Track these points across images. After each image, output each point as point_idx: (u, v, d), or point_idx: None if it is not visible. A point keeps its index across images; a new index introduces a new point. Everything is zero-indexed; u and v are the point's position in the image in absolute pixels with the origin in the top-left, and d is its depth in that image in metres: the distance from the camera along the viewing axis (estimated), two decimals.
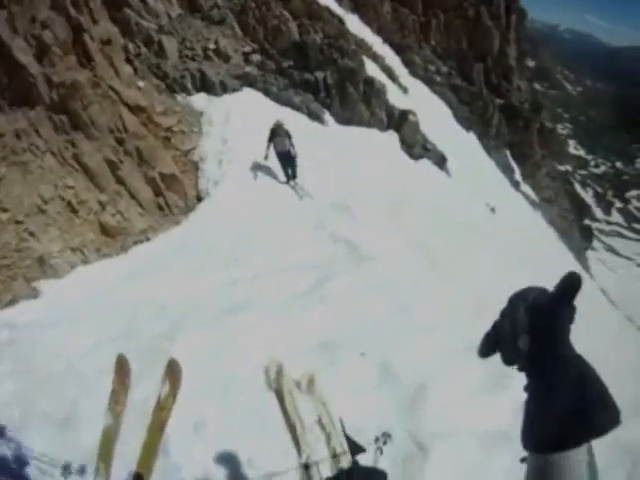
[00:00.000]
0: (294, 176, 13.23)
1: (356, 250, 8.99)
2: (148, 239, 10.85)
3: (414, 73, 33.28)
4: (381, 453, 4.39)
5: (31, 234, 9.21)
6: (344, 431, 4.67)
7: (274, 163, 13.34)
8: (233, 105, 16.11)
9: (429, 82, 34.02)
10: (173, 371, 3.96)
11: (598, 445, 3.82)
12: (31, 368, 5.92)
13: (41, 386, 5.42)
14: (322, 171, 14.07)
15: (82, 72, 11.57)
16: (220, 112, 15.51)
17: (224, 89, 17.25)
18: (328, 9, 25.95)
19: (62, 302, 7.99)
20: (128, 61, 15.17)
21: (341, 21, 26.40)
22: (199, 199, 12.43)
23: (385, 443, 4.44)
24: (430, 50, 37.79)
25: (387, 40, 34.05)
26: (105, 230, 10.50)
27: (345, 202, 12.21)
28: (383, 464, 4.45)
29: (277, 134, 12.85)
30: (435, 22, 38.18)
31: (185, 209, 12.14)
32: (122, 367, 4.26)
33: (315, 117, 18.56)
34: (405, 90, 27.19)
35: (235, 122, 14.97)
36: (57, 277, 8.96)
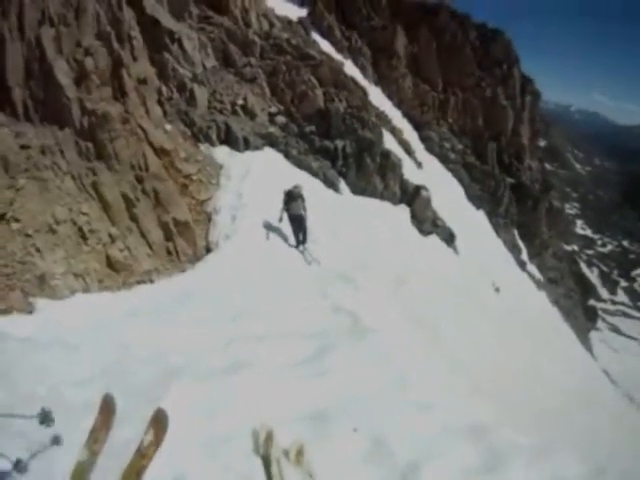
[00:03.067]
0: (304, 241, 13.26)
1: (357, 322, 8.85)
2: (152, 281, 10.81)
3: (430, 149, 33.79)
4: None
5: (37, 250, 9.22)
6: None
7: (286, 226, 13.39)
8: (253, 162, 16.29)
9: (444, 159, 34.53)
10: (159, 421, 3.89)
11: None
12: (13, 385, 5.73)
13: (21, 406, 4.98)
14: (332, 239, 14.14)
15: (115, 105, 12.02)
16: (240, 167, 15.71)
17: (247, 145, 17.52)
18: (353, 79, 26.57)
19: (56, 324, 7.86)
20: (159, 103, 15.58)
21: (364, 92, 26.99)
22: (208, 250, 12.45)
23: None
24: (447, 127, 38.30)
25: (406, 114, 34.85)
26: (111, 263, 10.52)
27: (351, 273, 12.14)
28: None
29: (293, 198, 12.95)
30: (454, 100, 38.87)
31: (193, 258, 12.17)
32: (107, 406, 4.17)
33: (330, 184, 18.82)
34: (420, 165, 27.57)
35: (253, 179, 15.13)
36: (55, 298, 8.87)
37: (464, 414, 6.93)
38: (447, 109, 38.73)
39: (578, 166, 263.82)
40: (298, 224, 13.18)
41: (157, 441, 3.83)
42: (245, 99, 19.96)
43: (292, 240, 13.47)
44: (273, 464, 4.73)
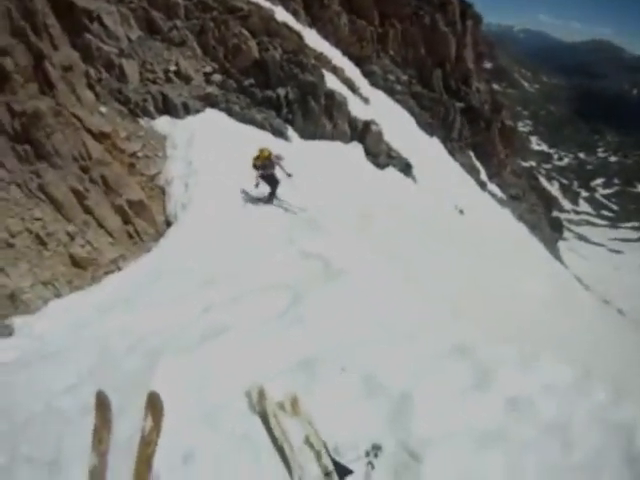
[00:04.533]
0: (274, 194, 13.10)
1: (328, 265, 8.80)
2: (119, 268, 10.54)
3: (374, 83, 33.29)
4: (372, 468, 4.23)
5: (0, 270, 8.92)
6: (329, 454, 4.57)
7: (241, 184, 13.12)
8: (196, 127, 15.87)
9: (390, 91, 34.11)
10: (154, 404, 3.84)
11: (589, 426, 5.07)
12: (10, 411, 5.61)
13: (22, 429, 5.11)
14: (289, 187, 13.89)
15: (44, 100, 11.35)
16: (184, 134, 15.26)
17: (187, 111, 17.03)
18: (286, 25, 25.72)
19: (37, 339, 7.68)
20: (90, 87, 14.76)
21: (300, 36, 26.19)
22: (168, 224, 12.11)
23: (376, 455, 4.36)
24: (389, 60, 37.81)
25: (346, 52, 34.03)
26: (75, 262, 10.18)
27: (315, 217, 12.04)
28: (377, 476, 4.33)
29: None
30: (392, 32, 38.22)
31: (155, 235, 11.83)
32: (102, 404, 4.11)
33: (278, 134, 18.39)
34: (366, 100, 27.12)
35: (199, 144, 14.72)
36: (30, 313, 8.62)
37: (447, 337, 6.93)
38: (387, 41, 38.11)
39: (527, 84, 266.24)
40: (273, 182, 12.95)
41: (157, 425, 3.79)
42: (177, 64, 19.29)
43: (249, 195, 13.16)
44: (271, 419, 4.79)
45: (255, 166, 12.57)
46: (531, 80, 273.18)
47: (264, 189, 13.04)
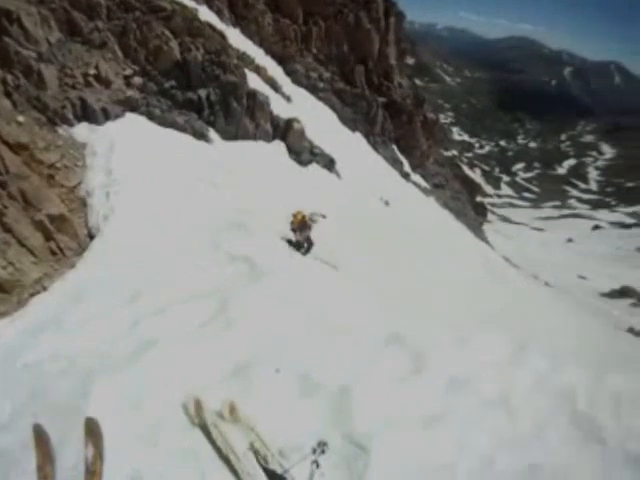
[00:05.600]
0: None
1: (254, 267, 8.74)
2: (45, 288, 9.77)
3: (297, 81, 33.30)
4: (317, 466, 4.23)
5: None
6: (260, 463, 4.53)
7: (166, 189, 12.75)
8: (116, 133, 15.11)
9: (312, 89, 34.19)
10: (93, 431, 3.81)
11: (531, 394, 6.18)
12: None
13: None
14: (212, 190, 13.65)
15: None
16: (103, 142, 14.45)
17: (106, 116, 16.22)
18: (210, 25, 25.23)
19: None
20: (7, 94, 13.98)
21: (223, 36, 25.81)
22: (91, 237, 11.48)
23: (323, 452, 4.37)
24: (312, 58, 37.89)
25: (269, 51, 33.89)
26: None
27: (240, 219, 11.84)
28: (328, 472, 4.43)
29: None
30: (316, 30, 38.38)
31: (78, 250, 11.07)
32: (41, 438, 3.98)
33: (200, 136, 17.93)
34: (289, 99, 27.02)
35: (119, 151, 14.01)
36: None
37: (381, 327, 7.08)
38: (310, 40, 38.23)
39: (448, 79, 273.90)
40: (309, 243, 12.65)
41: (99, 452, 3.72)
42: (97, 67, 18.17)
43: (173, 202, 12.63)
44: (212, 430, 4.73)
45: (293, 230, 12.40)
46: (453, 75, 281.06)
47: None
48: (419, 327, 7.67)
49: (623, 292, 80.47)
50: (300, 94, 30.82)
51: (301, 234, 12.36)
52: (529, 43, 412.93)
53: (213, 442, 4.66)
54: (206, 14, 27.45)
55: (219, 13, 31.63)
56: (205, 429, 4.76)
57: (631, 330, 45.72)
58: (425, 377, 6.07)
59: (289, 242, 12.43)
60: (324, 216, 12.75)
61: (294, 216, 12.39)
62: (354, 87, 38.34)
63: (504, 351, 7.64)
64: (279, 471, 4.38)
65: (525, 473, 5.27)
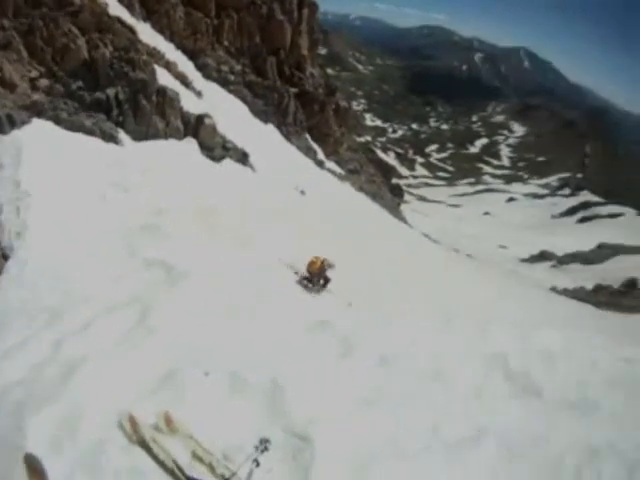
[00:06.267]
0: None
1: (172, 270, 8.54)
2: None
3: (208, 76, 32.76)
4: (257, 465, 4.24)
5: None
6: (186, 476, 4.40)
7: (78, 198, 12.09)
8: (23, 141, 13.85)
9: (224, 82, 33.86)
10: (33, 467, 3.62)
11: (464, 362, 6.52)
12: None
13: None
14: (121, 193, 13.28)
15: None
16: (10, 152, 13.29)
17: (12, 124, 15.12)
18: (119, 20, 24.35)
19: None
20: None
21: (132, 31, 24.97)
22: (5, 257, 11.04)
23: (267, 449, 4.34)
24: (223, 51, 37.48)
25: (180, 46, 33.13)
26: None
27: (154, 221, 11.53)
28: (276, 467, 4.51)
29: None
30: (228, 22, 37.92)
31: None
32: (35, 468, 3.79)
33: (109, 138, 17.10)
34: (199, 94, 26.69)
35: (27, 160, 12.93)
36: None
37: (306, 315, 7.24)
38: (222, 32, 37.79)
39: (360, 67, 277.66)
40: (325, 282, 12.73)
41: None
42: (1, 70, 17.35)
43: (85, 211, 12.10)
44: (152, 445, 4.59)
45: (310, 273, 12.46)
46: (365, 63, 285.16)
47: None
48: (346, 310, 8.09)
49: (542, 256, 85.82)
50: (211, 89, 30.47)
51: (319, 278, 12.62)
52: (441, 31, 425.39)
53: (155, 457, 4.53)
54: (116, 8, 26.34)
55: (130, 7, 30.27)
56: (145, 445, 4.60)
57: (553, 289, 48.91)
58: (356, 359, 6.15)
59: (306, 279, 12.67)
60: (334, 265, 13.03)
61: (313, 263, 12.59)
62: (266, 79, 38.32)
63: (431, 324, 7.92)
64: (227, 475, 4.34)
65: (472, 438, 5.49)
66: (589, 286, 54.23)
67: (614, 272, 67.24)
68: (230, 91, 33.38)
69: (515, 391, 6.44)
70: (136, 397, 5.18)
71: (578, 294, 48.69)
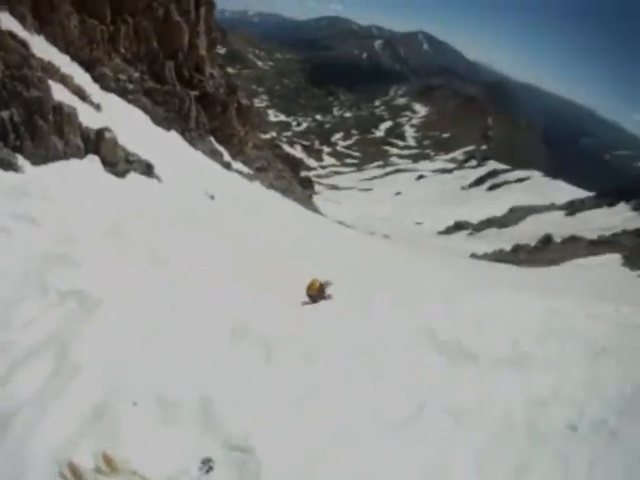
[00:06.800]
0: None
1: (86, 299, 7.82)
2: None
3: (106, 86, 31.70)
4: None
5: None
6: None
7: None
8: None
9: (122, 92, 32.81)
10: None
11: (395, 336, 6.81)
12: None
13: None
14: (30, 225, 12.68)
15: None
16: None
17: None
18: (11, 33, 23.05)
19: None
20: None
21: (25, 45, 23.63)
22: None
23: (211, 468, 4.28)
24: (120, 59, 36.09)
25: (76, 57, 31.81)
26: None
27: (63, 251, 10.27)
28: None
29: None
30: (125, 28, 36.59)
31: None
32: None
33: (8, 166, 15.84)
34: (98, 107, 25.99)
35: None
36: None
37: (225, 322, 7.05)
38: (118, 40, 36.31)
39: (261, 63, 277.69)
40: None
41: None
42: None
43: None
44: None
45: (310, 296, 12.70)
46: (265, 59, 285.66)
47: None
48: (265, 309, 7.80)
49: (457, 227, 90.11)
50: (110, 100, 29.64)
51: (320, 298, 12.87)
52: (340, 22, 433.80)
53: None
54: (8, 21, 25.08)
55: (22, 19, 28.66)
56: None
57: (473, 255, 51.41)
58: (281, 362, 6.02)
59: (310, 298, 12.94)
60: (332, 282, 13.41)
61: (312, 285, 12.94)
62: (165, 84, 37.62)
63: (355, 309, 8.02)
64: None
65: (415, 416, 5.42)
66: (507, 248, 57.47)
67: (529, 232, 72.38)
68: (129, 101, 32.43)
69: (449, 360, 6.48)
70: (72, 442, 4.90)
71: (499, 256, 51.69)
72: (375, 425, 5.23)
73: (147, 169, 22.13)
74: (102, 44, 34.94)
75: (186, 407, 5.27)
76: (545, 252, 51.91)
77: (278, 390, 5.55)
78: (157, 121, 33.15)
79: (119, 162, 20.84)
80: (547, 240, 58.37)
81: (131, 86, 34.11)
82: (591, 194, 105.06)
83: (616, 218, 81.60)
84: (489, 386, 6.00)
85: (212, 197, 24.78)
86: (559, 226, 74.74)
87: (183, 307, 7.97)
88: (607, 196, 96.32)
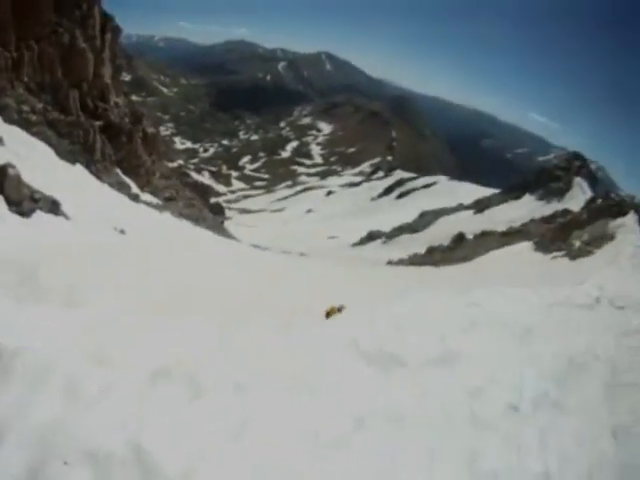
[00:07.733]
0: None
1: (2, 354, 7.44)
2: None
3: (9, 119, 29.61)
4: None
5: None
6: None
7: None
8: None
9: (26, 124, 30.84)
10: None
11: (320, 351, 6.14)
12: None
13: None
14: None
15: None
16: None
17: None
18: None
19: None
20: None
21: None
22: None
23: None
24: (24, 88, 33.95)
25: None
26: None
27: None
28: None
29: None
30: (28, 55, 34.21)
31: None
32: None
33: None
34: (0, 141, 24.17)
35: None
36: None
37: (145, 363, 6.37)
38: (22, 67, 34.04)
39: (165, 90, 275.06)
40: None
41: None
42: None
43: None
44: None
45: None
46: (170, 85, 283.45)
47: None
48: (188, 346, 7.48)
49: (370, 237, 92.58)
50: (13, 133, 27.89)
51: None
52: (245, 45, 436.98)
53: None
54: None
55: None
56: None
57: (389, 262, 52.83)
58: (209, 397, 5.48)
59: None
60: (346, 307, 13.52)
61: (331, 310, 12.48)
62: (69, 115, 35.99)
63: (273, 328, 7.49)
64: None
65: (357, 429, 5.29)
66: (422, 251, 59.33)
67: (441, 233, 75.59)
68: (33, 133, 30.54)
69: (379, 369, 6.32)
70: None
71: (414, 260, 53.32)
72: (318, 445, 5.08)
73: (53, 206, 21.08)
74: (5, 72, 32.69)
75: (120, 458, 4.63)
76: (459, 250, 54.07)
77: (210, 426, 5.08)
78: (62, 154, 31.37)
79: (24, 200, 19.59)
80: (460, 238, 61.02)
81: (34, 117, 32.25)
82: (497, 191, 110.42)
83: (523, 209, 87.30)
84: (424, 386, 6.10)
85: (122, 231, 24.18)
86: (469, 224, 78.04)
87: (108, 357, 6.54)
88: (512, 191, 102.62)
